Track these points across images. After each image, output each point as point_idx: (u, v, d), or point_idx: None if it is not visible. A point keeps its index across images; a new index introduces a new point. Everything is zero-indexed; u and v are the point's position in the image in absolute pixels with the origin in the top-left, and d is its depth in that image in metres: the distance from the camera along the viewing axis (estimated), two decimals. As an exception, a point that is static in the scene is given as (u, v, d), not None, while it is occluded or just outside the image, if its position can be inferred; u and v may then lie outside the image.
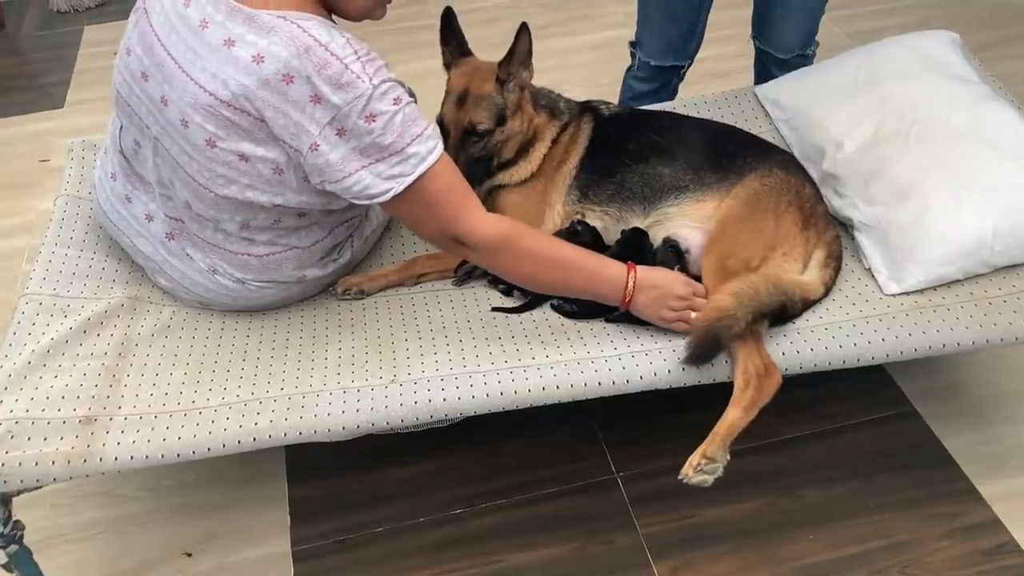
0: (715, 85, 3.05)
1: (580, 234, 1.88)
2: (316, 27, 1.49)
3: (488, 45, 2.01)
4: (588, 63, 3.41)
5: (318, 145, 1.51)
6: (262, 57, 1.48)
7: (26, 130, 3.41)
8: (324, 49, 1.48)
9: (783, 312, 1.69)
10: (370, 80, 1.49)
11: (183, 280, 1.80)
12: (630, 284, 1.67)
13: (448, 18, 1.88)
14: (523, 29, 1.82)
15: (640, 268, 1.70)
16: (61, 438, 1.56)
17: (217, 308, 1.86)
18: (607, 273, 1.69)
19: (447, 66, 1.92)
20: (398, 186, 1.54)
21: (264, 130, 1.53)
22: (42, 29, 4.06)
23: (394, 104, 1.52)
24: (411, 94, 1.62)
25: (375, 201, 1.57)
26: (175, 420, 1.62)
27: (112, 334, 1.76)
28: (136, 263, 1.89)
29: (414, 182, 1.54)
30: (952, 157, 1.84)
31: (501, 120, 1.86)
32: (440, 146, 1.58)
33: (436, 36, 1.93)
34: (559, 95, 2.06)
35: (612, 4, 3.80)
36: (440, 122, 1.85)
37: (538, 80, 1.96)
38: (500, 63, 1.85)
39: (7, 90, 3.69)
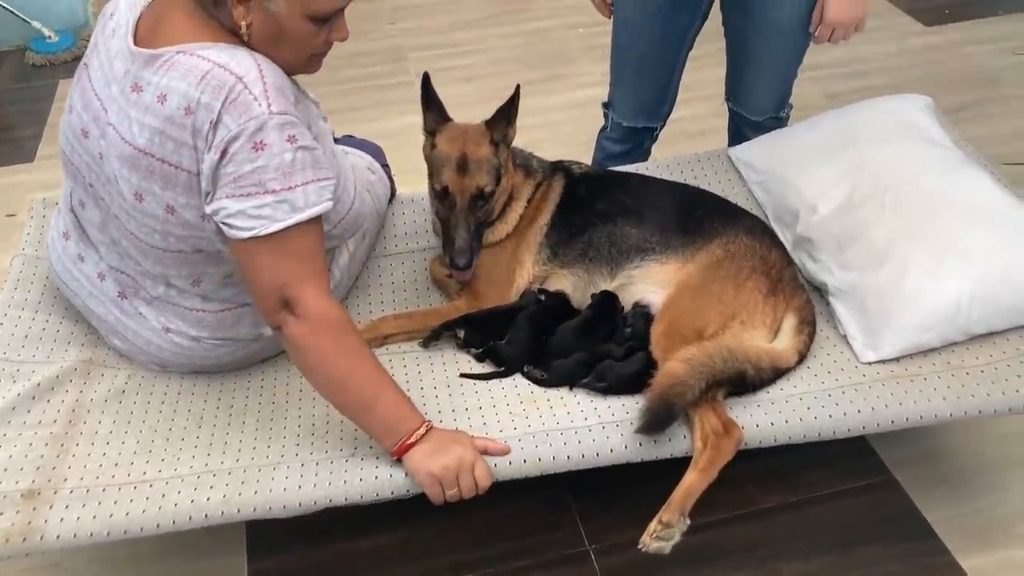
0: (692, 145, 3.06)
1: (550, 307, 1.84)
2: (216, 52, 1.44)
3: (466, 103, 1.98)
4: (566, 122, 3.40)
5: (203, 165, 1.45)
6: (164, 96, 1.44)
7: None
8: (223, 70, 1.42)
9: (747, 380, 1.65)
10: (268, 106, 1.42)
11: (137, 340, 1.74)
12: (413, 438, 1.52)
13: (426, 84, 1.84)
14: (517, 91, 1.83)
15: (439, 431, 1.55)
16: (1, 514, 1.48)
17: (174, 370, 1.79)
18: (397, 413, 1.53)
19: (431, 133, 1.87)
20: (260, 229, 1.44)
21: (181, 176, 1.48)
22: (17, 82, 4.03)
23: (288, 141, 1.44)
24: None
25: (232, 235, 1.45)
26: (123, 494, 1.54)
27: (63, 400, 1.70)
28: (91, 325, 1.83)
29: (279, 231, 1.44)
30: (928, 223, 1.81)
31: (498, 180, 1.84)
32: (324, 205, 1.49)
33: (413, 93, 1.90)
34: (531, 154, 2.05)
35: (590, 64, 3.81)
36: (444, 190, 1.81)
37: (518, 138, 1.94)
38: (491, 124, 1.85)
39: (-24, 143, 3.65)
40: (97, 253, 1.73)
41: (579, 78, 3.77)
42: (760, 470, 2.03)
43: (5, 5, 3.98)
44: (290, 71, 1.54)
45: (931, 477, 2.10)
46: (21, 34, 4.10)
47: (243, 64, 1.42)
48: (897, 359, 1.73)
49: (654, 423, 1.59)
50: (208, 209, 1.47)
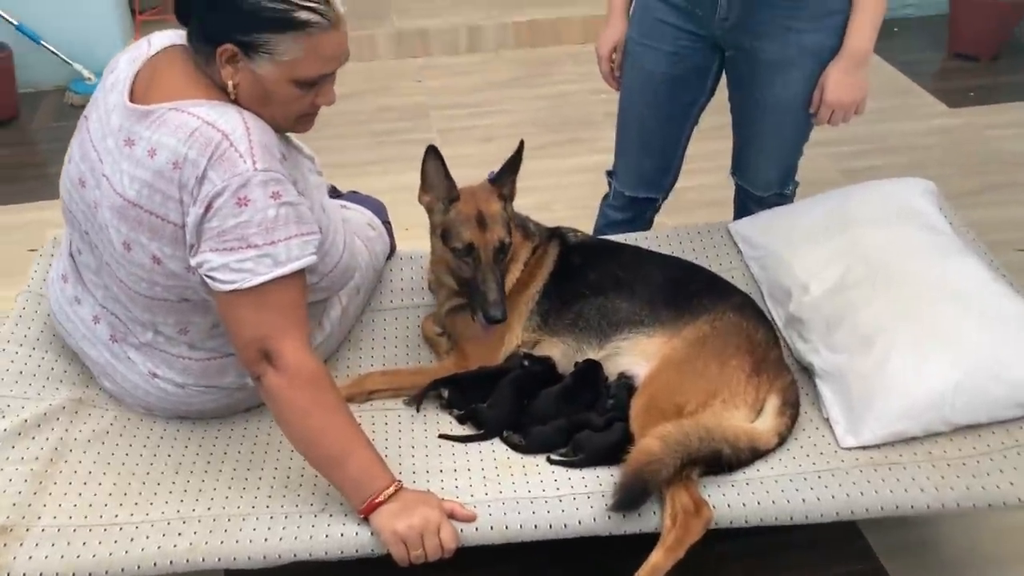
0: (699, 215, 3.06)
1: (534, 373, 1.85)
2: (206, 109, 1.49)
3: (484, 162, 2.00)
4: (579, 185, 3.43)
5: (188, 219, 1.49)
6: (155, 150, 1.49)
7: (24, 218, 3.45)
8: (210, 127, 1.47)
9: (723, 460, 1.63)
10: (253, 163, 1.46)
11: (125, 383, 1.78)
12: (381, 497, 1.51)
13: (439, 155, 1.84)
14: (520, 147, 1.87)
15: (408, 491, 1.55)
16: (-27, 547, 1.51)
17: (159, 414, 1.82)
18: (367, 471, 1.53)
19: (450, 200, 1.86)
20: (242, 282, 1.47)
21: (167, 228, 1.52)
22: (56, 121, 4.15)
23: (272, 198, 1.48)
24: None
25: (214, 287, 1.49)
26: (94, 535, 1.56)
27: (48, 438, 1.72)
28: (85, 365, 1.87)
29: (261, 284, 1.47)
30: (917, 308, 1.80)
31: (510, 234, 1.87)
32: (306, 260, 1.52)
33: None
34: (528, 217, 2.07)
35: (608, 129, 3.81)
36: (469, 247, 1.82)
37: (528, 199, 1.96)
38: (496, 181, 1.88)
39: (13, 178, 3.76)
40: (92, 297, 1.77)
41: (597, 143, 3.80)
42: (743, 550, 1.99)
43: (49, 47, 4.13)
44: (277, 129, 1.59)
45: (922, 567, 2.06)
46: (62, 75, 4.24)
47: (230, 122, 1.48)
48: (878, 446, 1.71)
49: (627, 500, 1.57)
50: (192, 262, 1.51)
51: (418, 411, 1.85)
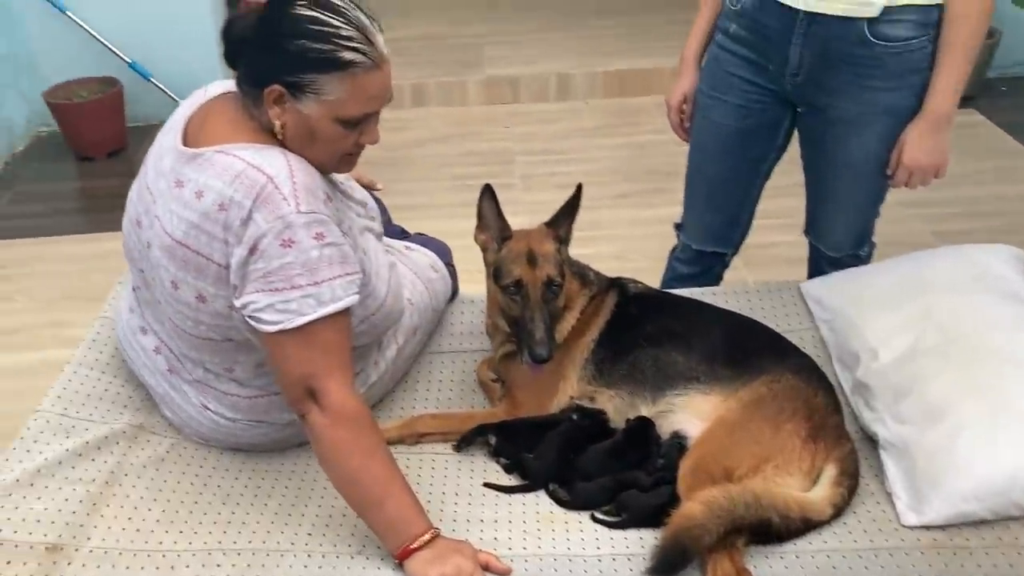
0: (785, 271, 2.99)
1: (583, 427, 1.82)
2: (251, 152, 1.53)
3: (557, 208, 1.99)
4: (655, 236, 3.37)
5: (232, 260, 1.52)
6: (202, 192, 1.53)
7: (120, 246, 3.60)
8: (255, 170, 1.50)
9: (772, 529, 1.56)
10: (296, 205, 1.49)
11: (181, 414, 1.83)
12: (416, 543, 1.51)
13: (493, 195, 1.88)
14: (578, 191, 1.88)
15: (444, 539, 1.54)
16: (24, 563, 1.55)
17: (214, 444, 1.86)
18: (404, 516, 1.53)
19: (502, 241, 1.89)
20: (287, 323, 1.50)
21: (212, 268, 1.56)
22: (158, 154, 4.35)
23: (315, 238, 1.50)
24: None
25: (260, 327, 1.52)
26: (138, 560, 1.59)
27: (106, 460, 1.77)
28: (148, 392, 1.93)
29: (306, 324, 1.50)
30: (992, 383, 1.70)
31: (563, 275, 1.86)
32: (349, 299, 1.54)
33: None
34: (587, 266, 2.05)
35: (692, 180, 3.81)
36: (517, 283, 1.82)
37: (605, 247, 1.96)
38: (552, 223, 1.89)
39: (116, 207, 3.89)
40: (153, 330, 1.83)
41: (677, 194, 3.73)
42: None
43: (157, 83, 4.35)
44: (322, 169, 1.63)
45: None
46: (169, 110, 4.40)
47: (274, 164, 1.52)
48: (942, 527, 1.61)
49: (665, 565, 1.52)
50: (237, 303, 1.55)
51: (459, 451, 1.83)
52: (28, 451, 1.75)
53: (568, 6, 5.51)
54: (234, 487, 1.78)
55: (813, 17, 1.89)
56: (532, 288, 1.81)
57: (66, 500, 1.68)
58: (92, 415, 1.87)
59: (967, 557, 1.56)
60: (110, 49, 4.25)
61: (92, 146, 4.28)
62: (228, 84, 1.71)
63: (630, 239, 3.37)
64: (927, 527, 1.62)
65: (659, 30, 5.09)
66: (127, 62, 4.30)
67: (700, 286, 2.35)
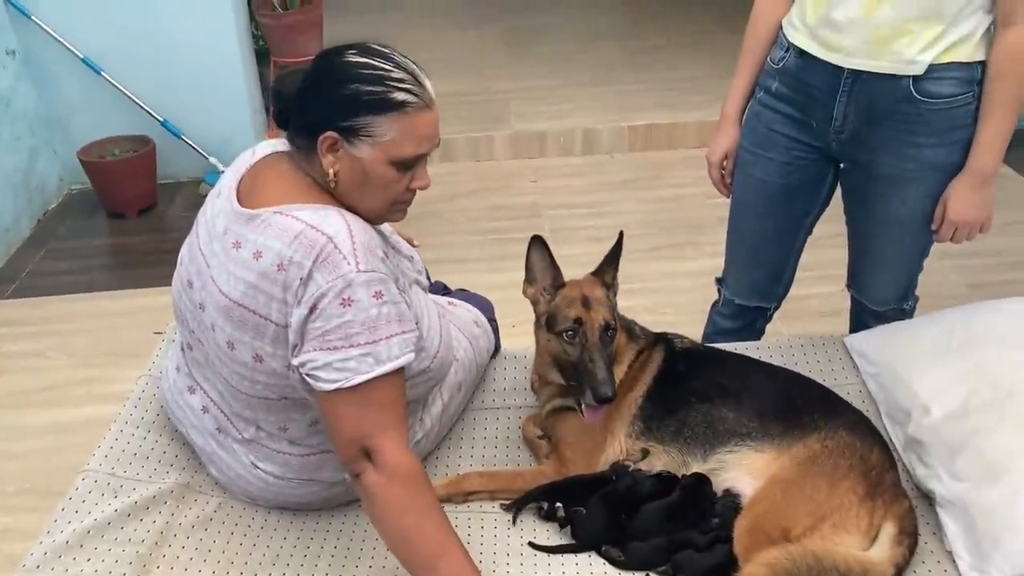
0: (820, 325, 2.99)
1: (626, 488, 1.80)
2: (309, 213, 1.54)
3: (592, 262, 1.97)
4: (688, 290, 3.39)
5: (292, 319, 1.53)
6: (260, 253, 1.54)
7: (152, 302, 3.63)
8: (315, 230, 1.51)
9: (835, 592, 1.53)
10: (356, 264, 1.50)
11: (229, 472, 1.82)
12: None
13: (544, 244, 1.89)
14: (620, 238, 1.90)
15: None
16: (76, 626, 1.54)
17: (261, 503, 1.85)
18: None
19: (555, 290, 1.89)
20: (345, 381, 1.50)
21: (269, 328, 1.56)
22: (188, 211, 4.40)
23: (375, 297, 1.51)
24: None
25: (317, 386, 1.52)
26: (189, 622, 1.58)
27: (155, 520, 1.77)
28: (194, 451, 1.92)
29: (363, 383, 1.50)
30: (1050, 439, 1.68)
31: (615, 319, 1.87)
32: (406, 358, 1.55)
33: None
34: (634, 321, 2.05)
35: (722, 233, 3.80)
36: (577, 322, 1.82)
37: (638, 301, 1.96)
38: (598, 272, 1.92)
39: (148, 263, 3.99)
40: (202, 389, 1.84)
41: (709, 247, 3.77)
42: None
43: (188, 141, 4.41)
44: (376, 218, 1.65)
45: None
46: (199, 167, 4.51)
47: (333, 225, 1.53)
48: (1007, 586, 1.58)
49: None
50: (295, 361, 1.55)
51: (514, 523, 1.81)
52: (77, 511, 1.75)
53: (592, 62, 5.59)
54: (283, 547, 1.77)
55: (858, 75, 1.91)
56: (591, 330, 1.81)
57: (116, 562, 1.67)
58: (139, 474, 1.87)
59: (1034, 618, 1.53)
60: (143, 108, 4.33)
61: (124, 203, 4.33)
62: (275, 144, 1.74)
63: (663, 292, 3.37)
64: (991, 587, 1.59)
65: (683, 86, 5.15)
66: (159, 120, 4.37)
67: (742, 340, 2.34)
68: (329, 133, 1.55)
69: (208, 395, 1.82)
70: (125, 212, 4.33)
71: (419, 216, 3.70)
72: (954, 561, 1.66)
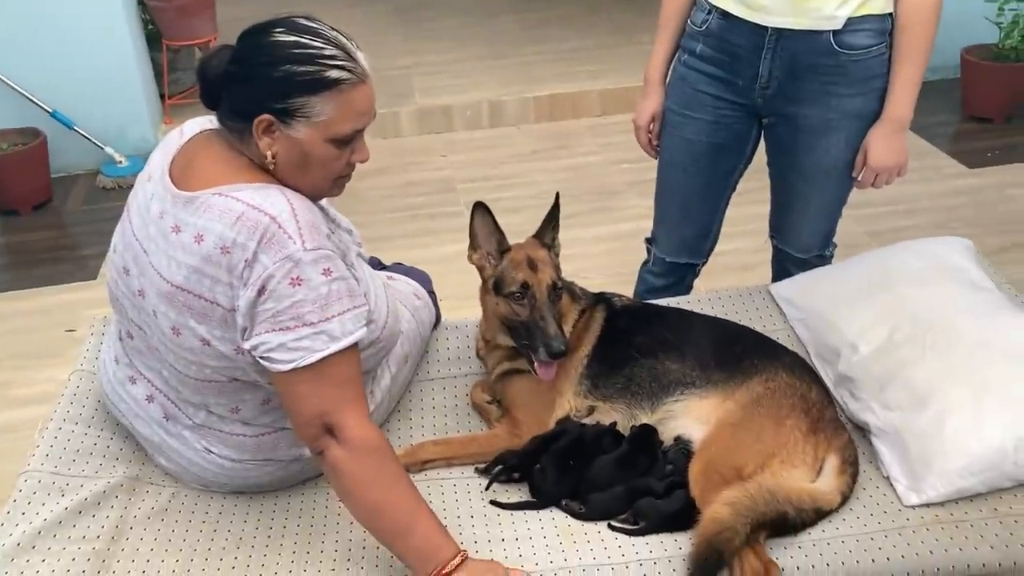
0: (735, 279, 3.10)
1: (581, 440, 1.83)
2: (250, 193, 1.52)
3: (513, 233, 2.02)
4: (609, 253, 3.47)
5: (239, 302, 1.51)
6: (202, 236, 1.51)
7: (59, 300, 3.50)
8: (257, 211, 1.49)
9: (788, 522, 1.62)
10: (302, 243, 1.49)
11: (180, 460, 1.78)
12: (448, 568, 1.51)
13: (488, 210, 1.91)
14: (558, 200, 1.94)
15: (474, 561, 1.55)
16: (39, 628, 1.50)
17: (216, 489, 1.82)
18: (433, 542, 1.53)
19: (501, 254, 1.92)
20: (301, 361, 1.49)
21: (216, 311, 1.54)
22: (87, 204, 4.24)
23: (324, 274, 1.51)
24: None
25: (273, 367, 1.51)
26: (159, 612, 1.55)
27: (107, 516, 1.72)
28: (139, 442, 1.88)
29: (319, 360, 1.50)
30: (970, 366, 1.81)
31: (560, 278, 1.91)
32: (360, 332, 1.55)
33: (462, 222, 1.97)
34: (574, 283, 2.09)
35: (634, 198, 3.91)
36: (524, 286, 1.86)
37: (562, 267, 1.99)
38: (538, 234, 1.96)
39: (46, 261, 3.83)
40: (145, 378, 1.79)
41: (622, 211, 3.87)
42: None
43: (82, 132, 4.24)
44: (316, 195, 1.63)
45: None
46: (95, 159, 4.35)
47: (276, 204, 1.51)
48: (942, 503, 1.70)
49: (703, 571, 1.56)
50: (246, 345, 1.53)
51: (487, 489, 1.82)
52: (24, 513, 1.70)
53: (488, 35, 5.61)
54: (245, 530, 1.75)
55: (781, 32, 1.99)
56: (538, 289, 1.86)
57: (73, 560, 1.63)
58: (84, 471, 1.82)
59: (968, 529, 1.65)
60: (29, 99, 4.13)
61: (16, 199, 4.13)
62: (202, 122, 1.69)
63: (582, 258, 3.43)
64: (928, 505, 1.71)
65: (581, 55, 5.23)
66: (48, 111, 4.17)
67: (672, 297, 2.41)
68: (264, 116, 1.52)
69: (152, 383, 1.78)
70: (18, 208, 4.13)
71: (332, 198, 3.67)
72: (892, 486, 1.77)
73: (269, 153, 1.55)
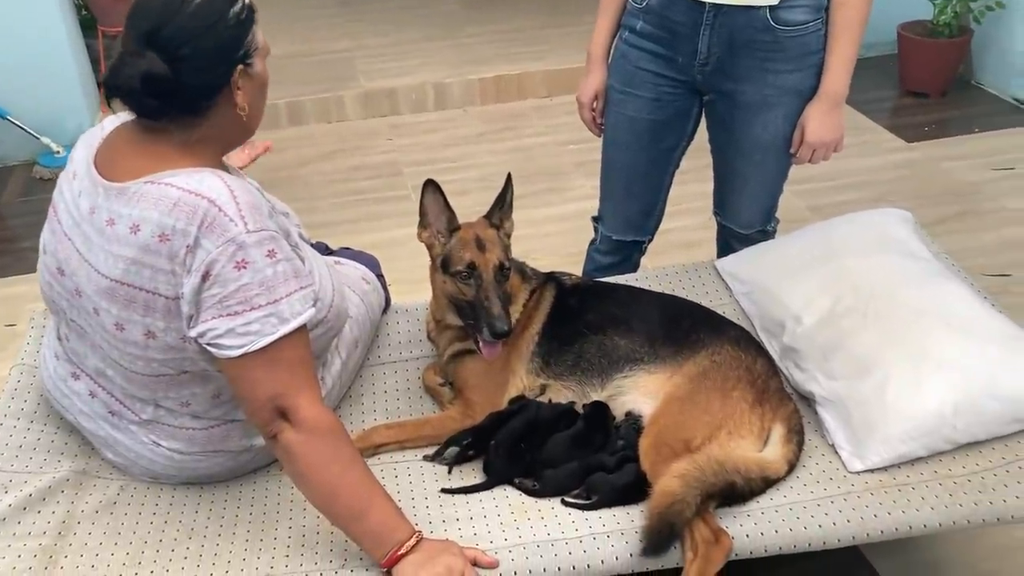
0: (681, 256, 3.12)
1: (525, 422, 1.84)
2: (183, 178, 1.49)
3: (461, 216, 2.03)
4: (557, 234, 3.49)
5: (183, 289, 1.49)
6: (138, 226, 1.48)
7: (-5, 295, 3.41)
8: (194, 195, 1.47)
9: (737, 491, 1.66)
10: (245, 225, 1.47)
11: (128, 454, 1.76)
12: (403, 549, 1.52)
13: (439, 188, 1.91)
14: (509, 180, 1.93)
15: (429, 541, 1.55)
16: (-14, 626, 1.47)
17: (166, 481, 1.80)
18: (388, 523, 1.53)
19: (450, 233, 1.92)
20: (251, 345, 1.48)
21: (159, 302, 1.52)
22: (24, 196, 4.13)
23: (268, 256, 1.49)
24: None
25: (223, 354, 1.49)
26: (110, 606, 1.53)
27: (54, 511, 1.69)
28: (84, 436, 1.85)
29: (270, 344, 1.48)
30: (909, 334, 1.85)
31: (509, 259, 1.92)
32: (308, 313, 1.54)
33: (409, 206, 1.98)
34: (524, 262, 2.10)
35: (581, 178, 3.93)
36: (470, 266, 1.86)
37: (511, 248, 2.00)
38: (488, 215, 1.95)
39: (-23, 255, 3.73)
40: (87, 375, 1.75)
41: (570, 192, 3.89)
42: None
43: (16, 122, 4.12)
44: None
45: (929, 590, 2.09)
46: (30, 149, 4.24)
47: (213, 187, 1.48)
48: (885, 468, 1.75)
49: (656, 544, 1.59)
50: (193, 332, 1.51)
51: (450, 473, 1.82)
52: (-33, 511, 1.66)
53: (429, 17, 5.57)
54: (197, 520, 1.73)
55: (719, 8, 2.02)
56: (484, 269, 1.86)
57: (19, 556, 1.60)
58: (29, 466, 1.78)
59: (910, 492, 1.70)
60: (-42, 89, 4.01)
61: (-52, 193, 4.02)
62: (122, 116, 1.64)
63: (531, 239, 3.42)
64: (871, 470, 1.75)
65: (523, 36, 5.23)
66: (-22, 101, 4.06)
67: (620, 274, 2.43)
68: (238, 69, 1.52)
69: (95, 380, 1.74)
70: (-50, 202, 4.02)
71: (275, 182, 3.64)
72: (837, 453, 1.81)
73: (245, 106, 1.56)
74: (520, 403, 1.91)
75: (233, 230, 1.47)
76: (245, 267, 1.47)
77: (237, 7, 1.51)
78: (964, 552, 2.18)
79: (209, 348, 1.51)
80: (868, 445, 1.76)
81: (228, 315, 1.48)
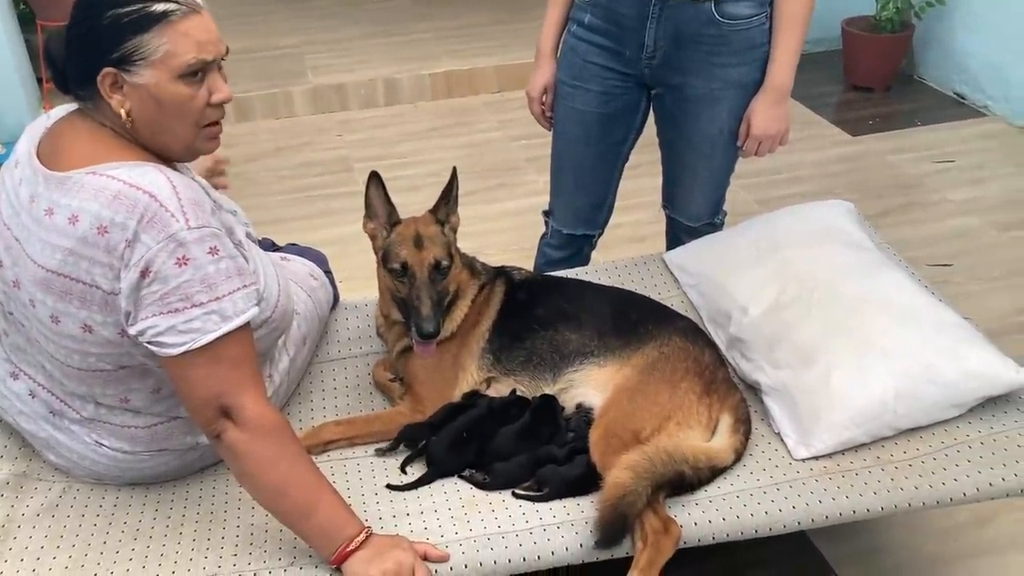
0: (631, 250, 3.15)
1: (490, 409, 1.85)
2: (126, 171, 1.47)
3: (413, 211, 2.02)
4: (509, 229, 3.49)
5: (121, 284, 1.46)
6: (76, 217, 1.46)
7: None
8: (135, 188, 1.44)
9: (685, 481, 1.67)
10: (186, 221, 1.45)
11: (71, 455, 1.72)
12: (352, 545, 1.51)
13: (381, 182, 1.91)
14: (453, 174, 1.92)
15: (378, 536, 1.55)
16: (-79, 635, 1.43)
17: (110, 482, 1.77)
18: (336, 520, 1.53)
19: (391, 227, 1.91)
20: (192, 343, 1.45)
21: (96, 294, 1.49)
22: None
23: (210, 253, 1.47)
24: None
25: (163, 352, 1.46)
26: (53, 611, 1.50)
27: (-7, 516, 1.66)
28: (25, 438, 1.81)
29: (212, 342, 1.46)
30: (852, 323, 1.88)
31: (451, 257, 1.89)
32: (251, 311, 1.52)
33: (360, 202, 1.96)
34: (475, 258, 2.10)
35: (533, 173, 3.94)
36: (403, 266, 1.84)
37: (462, 243, 2.00)
38: (433, 209, 1.93)
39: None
40: (26, 374, 1.71)
41: (522, 187, 3.89)
42: (702, 572, 2.03)
43: (-47, 119, 4.02)
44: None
45: (877, 572, 2.12)
46: (-29, 147, 4.12)
47: (154, 182, 1.46)
48: (829, 455, 1.77)
49: (609, 536, 1.59)
50: (133, 330, 1.48)
51: (404, 471, 1.81)
52: (-99, 518, 1.61)
53: (376, 13, 5.55)
54: (142, 521, 1.70)
55: (665, 2, 2.03)
56: (418, 269, 1.85)
57: (-43, 562, 1.56)
58: (-34, 470, 1.74)
59: (854, 478, 1.73)
60: None
61: None
62: (68, 107, 1.62)
63: (483, 234, 3.44)
64: (816, 457, 1.78)
65: (471, 32, 5.23)
66: (-86, 97, 3.95)
67: (571, 268, 2.44)
68: (105, 70, 1.46)
69: (34, 379, 1.70)
70: None
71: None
72: (783, 441, 1.84)
73: (123, 111, 1.49)
74: (475, 398, 1.91)
75: (174, 226, 1.44)
76: (186, 264, 1.45)
77: (125, 10, 1.45)
78: (908, 536, 2.23)
79: (150, 346, 1.48)
80: (813, 432, 1.78)
81: (169, 312, 1.45)
